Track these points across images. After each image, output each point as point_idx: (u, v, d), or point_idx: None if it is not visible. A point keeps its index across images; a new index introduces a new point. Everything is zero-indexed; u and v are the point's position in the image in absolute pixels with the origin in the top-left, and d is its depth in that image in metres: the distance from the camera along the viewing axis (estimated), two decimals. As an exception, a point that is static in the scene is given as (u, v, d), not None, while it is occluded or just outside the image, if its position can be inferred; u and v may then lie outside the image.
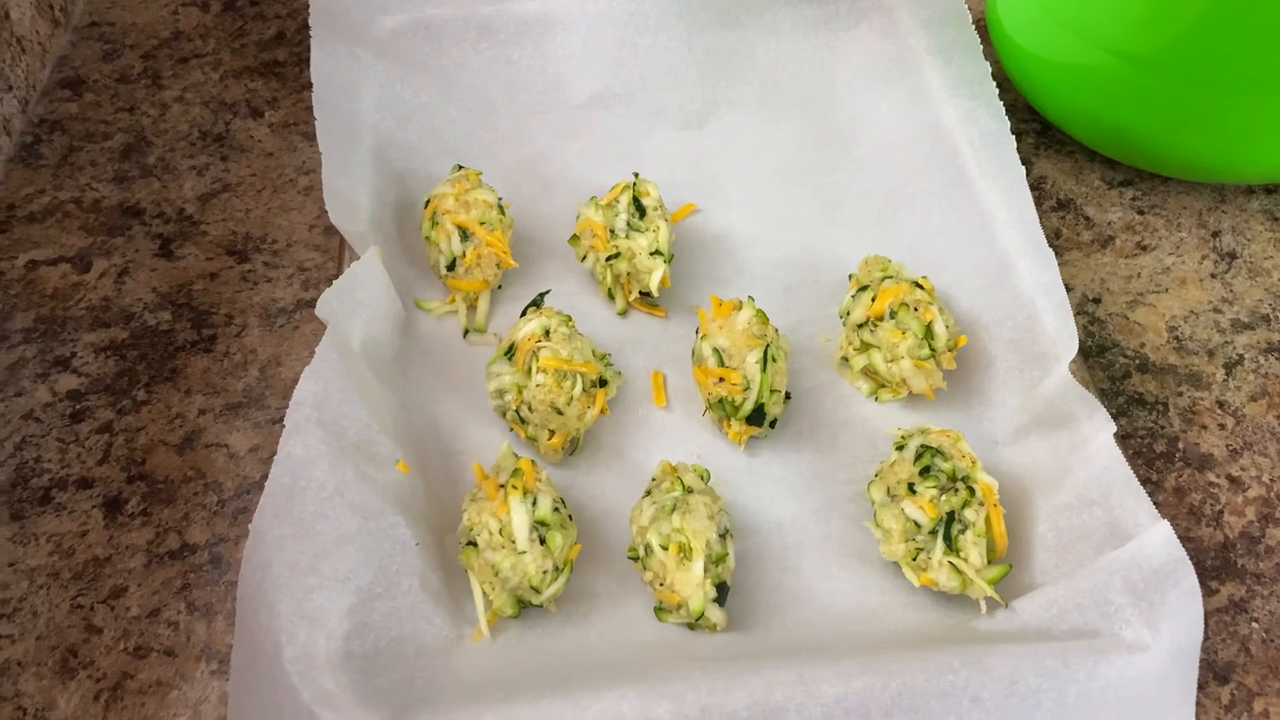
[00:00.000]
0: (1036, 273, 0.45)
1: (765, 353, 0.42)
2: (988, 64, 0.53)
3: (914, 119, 0.52)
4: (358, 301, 0.42)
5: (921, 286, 0.44)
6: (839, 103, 0.55)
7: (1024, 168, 0.51)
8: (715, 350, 0.43)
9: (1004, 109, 0.51)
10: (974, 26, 0.55)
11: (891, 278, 0.45)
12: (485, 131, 0.54)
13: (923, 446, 0.39)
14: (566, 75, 0.56)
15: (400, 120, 0.52)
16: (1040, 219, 0.51)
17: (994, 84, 0.52)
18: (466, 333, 0.47)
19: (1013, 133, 0.52)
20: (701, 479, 0.39)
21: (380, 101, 0.52)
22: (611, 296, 0.48)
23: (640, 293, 0.47)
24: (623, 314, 0.48)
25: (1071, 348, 0.41)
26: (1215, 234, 0.51)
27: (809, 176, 0.53)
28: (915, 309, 0.43)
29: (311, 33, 0.53)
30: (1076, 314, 0.48)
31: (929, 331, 0.43)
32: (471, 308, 0.47)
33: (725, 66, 0.56)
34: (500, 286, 0.48)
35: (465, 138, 0.53)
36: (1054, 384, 0.41)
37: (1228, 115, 0.46)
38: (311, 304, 0.48)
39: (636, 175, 0.49)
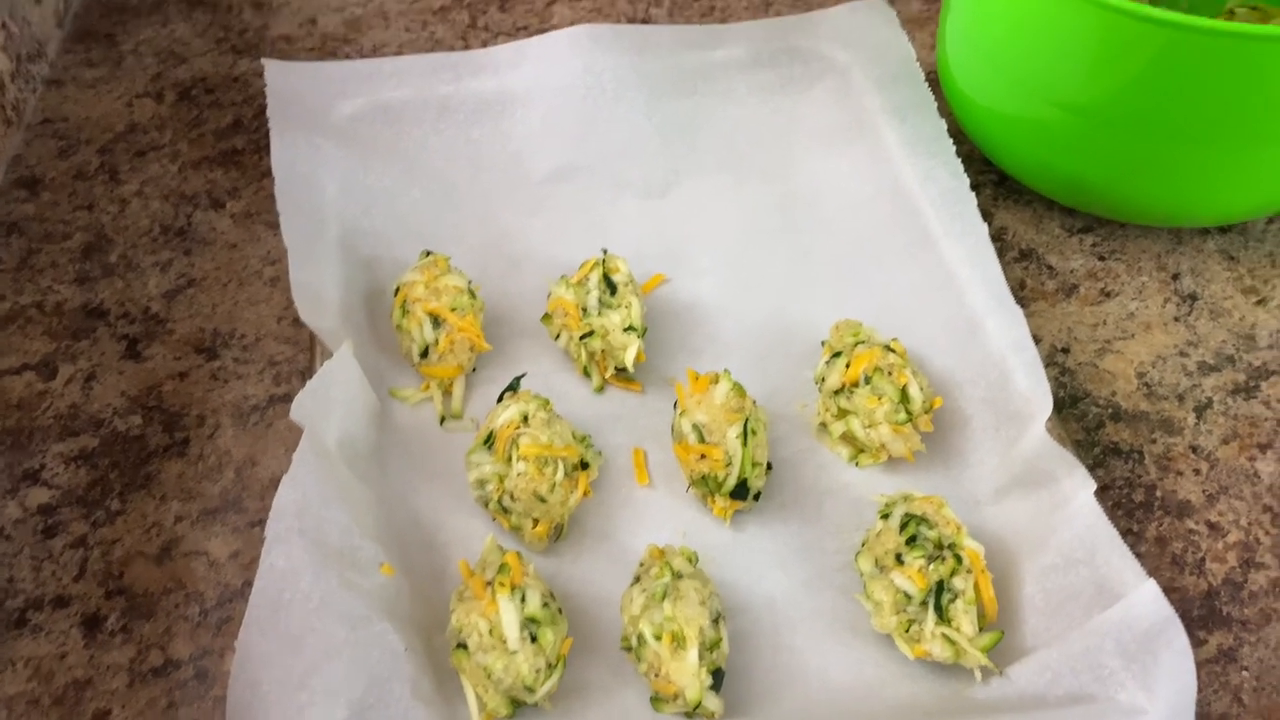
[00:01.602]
0: (1005, 330, 0.45)
1: (745, 426, 0.42)
2: (942, 121, 0.54)
3: (874, 179, 0.53)
4: (331, 400, 0.42)
5: (894, 350, 0.44)
6: (799, 165, 0.56)
7: (985, 221, 0.52)
8: (695, 427, 0.43)
9: (961, 165, 0.52)
10: (927, 81, 0.56)
11: (863, 342, 0.45)
12: (450, 212, 0.54)
13: (907, 515, 0.39)
14: (528, 151, 0.56)
15: (364, 207, 0.52)
16: (1004, 271, 0.52)
17: (950, 141, 0.53)
18: (443, 420, 0.46)
19: (971, 184, 0.53)
20: (690, 561, 0.39)
21: (343, 189, 0.52)
22: (587, 374, 0.48)
23: (616, 369, 0.47)
24: (599, 391, 0.48)
25: (1046, 406, 0.42)
26: (1175, 276, 0.52)
27: (775, 239, 0.53)
28: (889, 373, 0.44)
29: (270, 125, 0.53)
30: (1047, 365, 0.49)
31: (904, 395, 0.43)
32: (447, 394, 0.47)
33: (685, 134, 0.57)
34: (475, 369, 0.48)
35: (431, 220, 0.53)
36: (1031, 443, 0.42)
37: (1174, 164, 0.48)
38: (284, 399, 0.47)
39: (605, 251, 0.49)
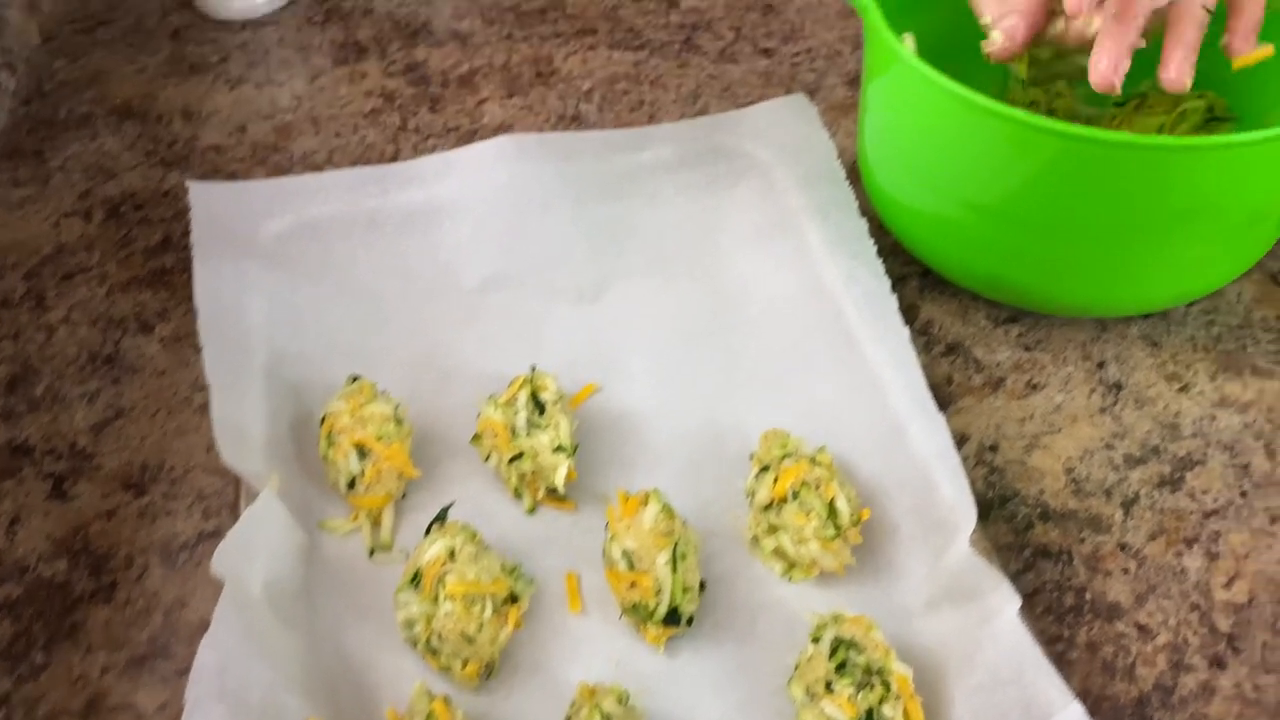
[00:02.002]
0: (929, 437, 0.46)
1: (674, 552, 0.42)
2: (863, 221, 0.54)
3: (798, 279, 0.54)
4: (255, 546, 0.42)
5: (820, 462, 0.45)
6: (727, 264, 0.56)
7: (912, 314, 0.53)
8: (625, 553, 0.43)
9: (882, 266, 0.52)
10: (848, 178, 0.57)
11: (790, 455, 0.45)
12: (380, 328, 0.54)
13: (837, 639, 0.39)
14: (458, 262, 0.56)
15: (292, 330, 0.52)
16: (932, 366, 0.52)
17: (871, 241, 0.53)
18: (373, 551, 0.46)
19: (898, 276, 0.53)
20: (620, 702, 0.39)
21: (270, 313, 0.52)
22: (519, 495, 0.48)
23: (547, 489, 0.47)
24: (531, 512, 0.47)
25: (970, 518, 0.42)
26: (1100, 365, 0.53)
27: (705, 342, 0.53)
28: (816, 487, 0.44)
29: (194, 252, 0.53)
30: (976, 464, 0.49)
31: (832, 510, 0.43)
32: (376, 524, 0.47)
33: (614, 238, 0.57)
34: (405, 495, 0.48)
35: (360, 337, 0.53)
36: (956, 557, 0.42)
37: (1082, 263, 0.49)
38: (213, 535, 0.47)
39: (534, 368, 0.49)
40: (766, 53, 0.71)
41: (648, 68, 0.70)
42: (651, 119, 0.66)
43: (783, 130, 0.60)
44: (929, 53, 0.56)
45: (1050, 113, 0.61)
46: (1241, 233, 0.48)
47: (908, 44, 0.48)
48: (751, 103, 0.67)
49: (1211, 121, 0.59)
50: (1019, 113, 0.44)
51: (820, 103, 0.67)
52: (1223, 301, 0.55)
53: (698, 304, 0.55)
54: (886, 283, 0.51)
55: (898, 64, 0.48)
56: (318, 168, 0.64)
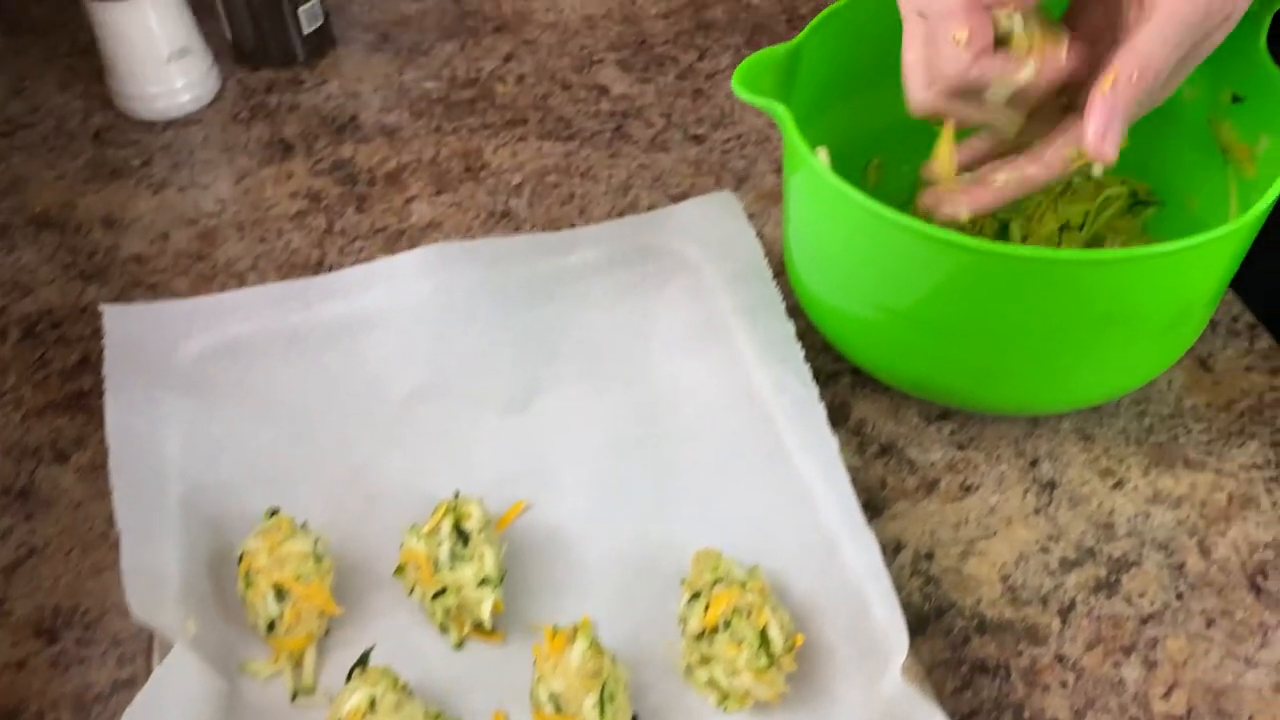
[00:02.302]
0: (861, 554, 0.45)
1: (602, 694, 0.41)
2: (791, 324, 0.54)
3: (729, 385, 0.53)
4: (168, 705, 0.40)
5: (752, 588, 0.44)
6: (658, 369, 0.55)
7: (844, 413, 0.52)
8: (552, 696, 0.41)
9: (810, 372, 0.52)
10: (779, 270, 0.57)
11: (722, 580, 0.44)
12: (304, 448, 0.53)
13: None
14: (384, 375, 0.55)
15: (210, 459, 0.51)
16: (865, 468, 0.52)
17: (798, 346, 0.53)
18: (295, 695, 0.44)
19: (828, 373, 0.53)
20: None
21: (186, 443, 0.51)
22: (445, 629, 0.46)
23: (473, 623, 0.46)
24: (459, 647, 0.46)
25: (902, 646, 0.42)
26: (1033, 462, 0.52)
27: (636, 451, 0.52)
28: (748, 614, 0.43)
29: (106, 383, 0.51)
30: (911, 574, 0.48)
31: (765, 638, 0.43)
32: (297, 666, 0.45)
33: (543, 343, 0.56)
34: (328, 632, 0.46)
35: (283, 461, 0.52)
36: (890, 686, 0.41)
37: (1002, 367, 0.48)
38: (128, 684, 0.45)
39: (457, 494, 0.48)
40: (697, 139, 0.70)
41: (578, 159, 0.70)
42: (582, 213, 0.66)
43: (710, 227, 0.59)
44: (854, 119, 0.56)
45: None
46: (1166, 333, 0.48)
47: (821, 158, 0.48)
48: (682, 193, 0.67)
49: (1136, 205, 0.59)
50: (924, 226, 0.44)
51: (750, 190, 0.67)
52: (1154, 390, 0.55)
53: (629, 411, 0.54)
54: (814, 390, 0.51)
55: (810, 170, 0.48)
56: (242, 276, 0.63)
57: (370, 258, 0.63)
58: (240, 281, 0.62)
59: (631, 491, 0.51)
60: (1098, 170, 0.44)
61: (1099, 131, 0.42)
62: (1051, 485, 0.51)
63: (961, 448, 0.53)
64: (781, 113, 0.49)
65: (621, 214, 0.65)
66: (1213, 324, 0.57)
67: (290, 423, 0.53)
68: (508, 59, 0.78)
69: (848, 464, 0.52)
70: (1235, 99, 0.52)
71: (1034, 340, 0.47)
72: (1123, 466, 0.52)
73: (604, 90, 0.75)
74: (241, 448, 0.52)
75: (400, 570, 0.47)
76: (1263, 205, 0.43)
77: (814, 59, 0.53)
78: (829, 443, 0.49)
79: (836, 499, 0.47)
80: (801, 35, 0.52)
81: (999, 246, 0.43)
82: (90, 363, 0.58)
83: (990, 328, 0.47)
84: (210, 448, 0.51)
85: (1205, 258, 0.44)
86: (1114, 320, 0.45)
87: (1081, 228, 0.59)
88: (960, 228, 0.60)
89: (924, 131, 0.61)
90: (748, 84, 0.49)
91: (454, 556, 0.46)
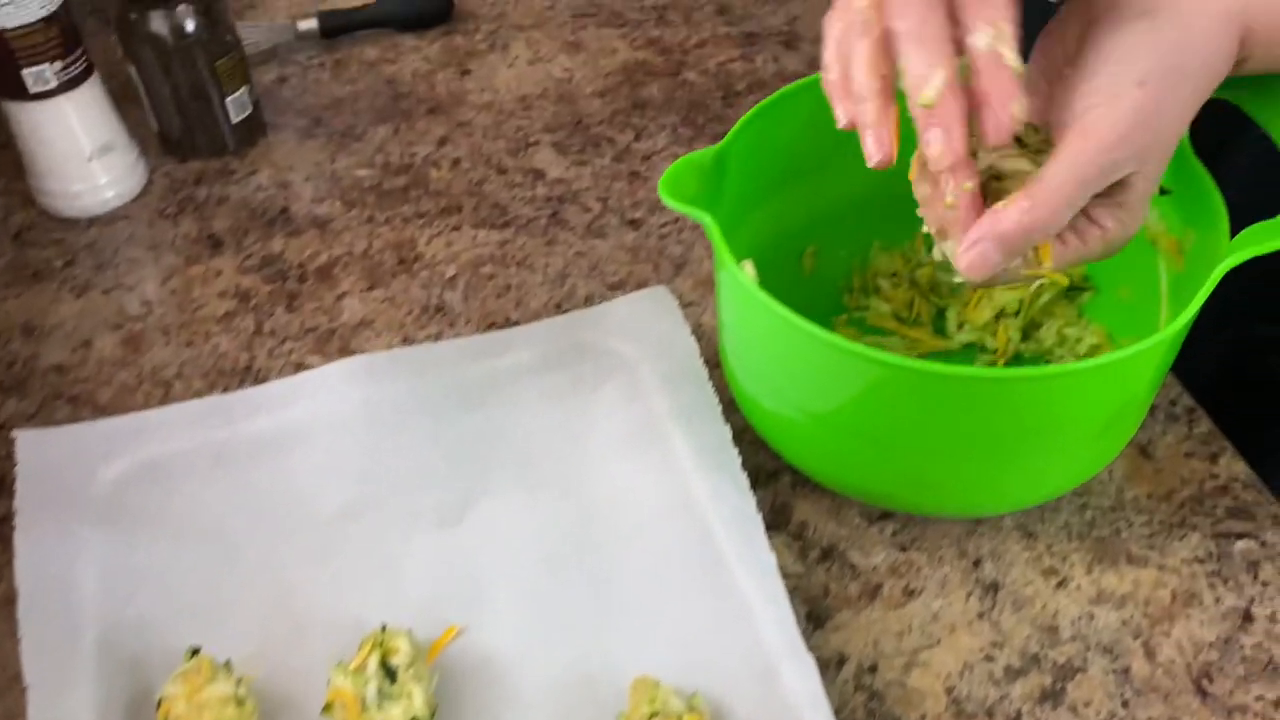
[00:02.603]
0: (800, 680, 0.44)
1: (533, 845, 0.39)
2: (727, 428, 0.53)
3: (667, 492, 0.52)
4: None
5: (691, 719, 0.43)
6: (595, 476, 0.54)
7: (785, 515, 0.52)
8: None
9: (746, 480, 0.51)
10: (712, 369, 0.56)
11: (659, 713, 0.43)
12: (229, 575, 0.51)
13: None
14: (311, 492, 0.53)
15: (128, 594, 0.49)
16: (808, 575, 0.51)
17: (734, 451, 0.52)
18: None
19: (769, 471, 0.52)
20: None
21: (103, 578, 0.49)
22: (374, 771, 0.45)
23: (404, 763, 0.44)
24: (389, 789, 0.44)
25: (842, 779, 0.40)
26: (976, 562, 0.52)
27: (575, 564, 0.51)
28: (686, 749, 0.42)
29: (17, 521, 0.49)
30: (855, 688, 0.47)
31: (703, 774, 0.41)
32: (220, 819, 0.43)
33: (477, 453, 0.55)
34: (253, 777, 0.45)
35: (206, 591, 0.50)
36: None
37: (933, 474, 0.48)
38: (40, 845, 0.43)
39: (384, 628, 0.46)
40: (634, 224, 0.70)
41: (514, 247, 0.69)
42: (518, 305, 0.65)
43: (646, 324, 0.59)
44: (787, 210, 0.55)
45: (912, 284, 0.61)
46: (1100, 437, 0.48)
47: (747, 270, 0.47)
48: (620, 281, 0.66)
49: (1071, 291, 0.59)
50: (839, 340, 0.43)
51: (689, 276, 0.66)
52: (1095, 481, 0.54)
53: (566, 522, 0.52)
54: (752, 500, 0.50)
55: (735, 279, 0.47)
56: (168, 384, 0.61)
57: (300, 360, 0.62)
58: (166, 390, 0.61)
59: (568, 613, 0.49)
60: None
61: (966, 245, 0.41)
62: (995, 587, 0.51)
63: (904, 549, 0.52)
64: (708, 221, 0.48)
65: (559, 305, 0.64)
66: (1152, 409, 0.57)
67: (214, 548, 0.51)
68: (442, 143, 0.77)
69: (790, 570, 0.51)
70: (1163, 191, 0.52)
71: (963, 451, 0.46)
72: (1065, 564, 0.51)
73: (540, 174, 0.74)
74: (162, 579, 0.50)
75: (328, 709, 0.45)
76: (1187, 316, 0.43)
77: (742, 157, 0.53)
78: (767, 556, 0.48)
79: (776, 617, 0.46)
80: (728, 138, 0.52)
81: (914, 363, 0.43)
82: (7, 485, 0.56)
83: (918, 438, 0.46)
84: (129, 581, 0.49)
85: (1131, 369, 0.44)
86: (1043, 431, 0.45)
87: (1017, 314, 0.59)
88: (897, 315, 0.61)
89: (858, 218, 0.61)
90: (674, 190, 0.49)
91: (381, 695, 0.44)
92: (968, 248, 0.41)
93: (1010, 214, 0.40)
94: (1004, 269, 0.42)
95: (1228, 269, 0.43)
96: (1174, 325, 0.43)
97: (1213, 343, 0.64)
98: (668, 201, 0.48)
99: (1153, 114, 0.40)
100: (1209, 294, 0.43)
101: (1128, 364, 0.43)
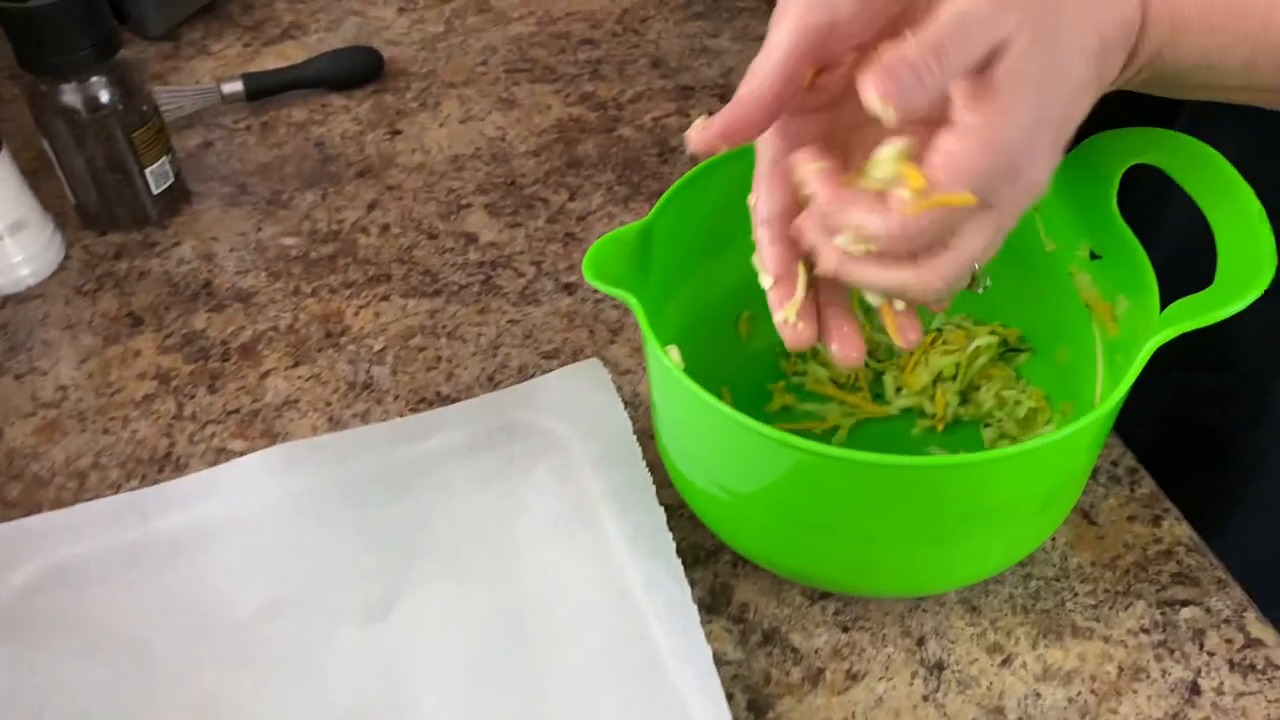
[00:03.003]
0: (738, 784, 0.42)
1: None
2: (661, 510, 0.52)
3: (600, 580, 0.50)
4: None
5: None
6: (526, 563, 0.52)
7: (725, 596, 0.50)
8: None
9: (681, 567, 0.49)
10: (647, 440, 0.54)
11: (591, 824, 0.41)
12: (142, 686, 0.48)
13: None
14: (230, 591, 0.51)
15: (36, 710, 0.46)
16: (749, 660, 0.49)
17: (669, 536, 0.51)
18: None
19: (709, 549, 0.50)
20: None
21: (8, 695, 0.46)
22: None
23: None
24: None
25: None
26: (920, 641, 0.50)
27: (505, 663, 0.49)
28: None
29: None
30: (798, 784, 0.46)
31: None
32: None
33: (403, 542, 0.53)
34: None
35: (120, 701, 0.48)
36: None
37: (868, 558, 0.47)
38: None
39: (305, 744, 0.44)
40: (568, 289, 0.68)
41: (445, 316, 0.67)
42: (449, 378, 0.63)
43: (578, 401, 0.57)
44: (720, 277, 0.55)
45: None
46: (1038, 515, 0.47)
47: (673, 355, 0.46)
48: (554, 349, 0.64)
49: (1009, 353, 0.58)
50: (762, 428, 0.42)
51: (625, 343, 0.65)
52: (1039, 550, 0.53)
53: (496, 616, 0.51)
54: (686, 588, 0.48)
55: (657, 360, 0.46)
56: (83, 475, 0.58)
57: (222, 445, 0.60)
58: (81, 482, 0.58)
59: (501, 711, 0.47)
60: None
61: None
62: (940, 666, 0.49)
63: (846, 629, 0.51)
64: (634, 303, 0.47)
65: (491, 377, 0.63)
66: (1094, 471, 0.56)
67: (128, 656, 0.49)
68: (371, 207, 0.75)
69: (730, 657, 0.50)
70: (1093, 255, 0.51)
71: (895, 534, 0.45)
72: (1010, 640, 0.50)
73: (472, 238, 0.72)
74: (71, 695, 0.47)
75: (244, 832, 0.43)
76: (1118, 394, 0.42)
77: (669, 229, 0.52)
78: (703, 651, 0.46)
79: (714, 717, 0.44)
80: (653, 212, 0.50)
81: (836, 451, 0.41)
82: (-92, 594, 0.53)
83: (849, 523, 0.45)
84: (36, 696, 0.47)
85: (1064, 449, 0.43)
86: (977, 514, 0.44)
87: (955, 378, 0.58)
88: (835, 380, 0.59)
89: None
90: (599, 271, 0.47)
91: (300, 817, 0.42)
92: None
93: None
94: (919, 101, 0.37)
95: (1156, 346, 0.42)
96: (1106, 404, 0.42)
97: (1154, 395, 0.64)
98: (593, 283, 0.47)
99: None
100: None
101: (1060, 445, 0.42)
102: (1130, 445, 0.57)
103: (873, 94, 0.35)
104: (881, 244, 0.39)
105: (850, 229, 0.39)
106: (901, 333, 0.44)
